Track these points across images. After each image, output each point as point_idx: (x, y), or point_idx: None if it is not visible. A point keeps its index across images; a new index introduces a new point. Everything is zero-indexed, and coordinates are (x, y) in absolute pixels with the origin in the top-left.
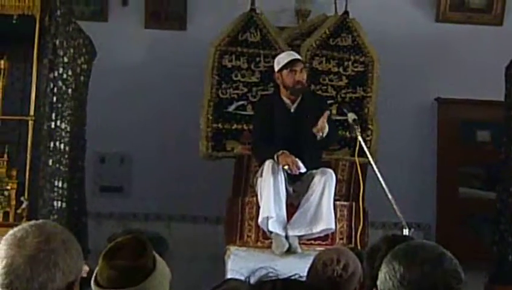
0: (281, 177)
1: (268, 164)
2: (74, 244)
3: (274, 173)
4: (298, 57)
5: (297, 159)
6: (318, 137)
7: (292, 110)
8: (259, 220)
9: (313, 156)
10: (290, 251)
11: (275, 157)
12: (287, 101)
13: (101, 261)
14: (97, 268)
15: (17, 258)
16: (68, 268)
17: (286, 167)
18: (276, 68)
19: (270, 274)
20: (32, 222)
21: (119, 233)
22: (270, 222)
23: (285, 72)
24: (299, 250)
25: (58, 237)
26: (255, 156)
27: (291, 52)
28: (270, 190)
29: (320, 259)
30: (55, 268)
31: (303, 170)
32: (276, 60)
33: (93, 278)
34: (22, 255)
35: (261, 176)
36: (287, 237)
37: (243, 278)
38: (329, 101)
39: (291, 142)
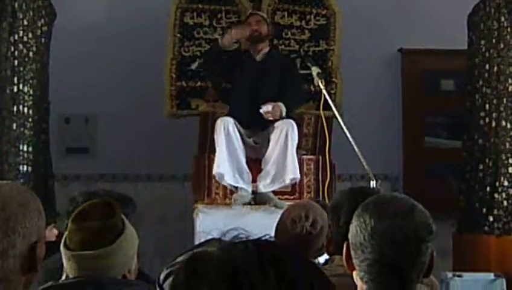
0: (234, 131)
1: (219, 122)
2: (33, 205)
3: (226, 130)
4: (256, 12)
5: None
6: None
7: (258, 59)
8: (213, 171)
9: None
10: (271, 206)
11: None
12: (252, 51)
13: (70, 225)
14: (66, 232)
15: None
16: (28, 231)
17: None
18: None
19: (241, 235)
20: None
21: (81, 193)
22: (226, 177)
23: (244, 26)
24: (280, 203)
25: (14, 201)
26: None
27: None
28: (222, 147)
29: (289, 216)
30: (14, 234)
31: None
32: None
33: (62, 242)
34: None
35: (216, 133)
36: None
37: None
38: (292, 55)
39: (254, 90)
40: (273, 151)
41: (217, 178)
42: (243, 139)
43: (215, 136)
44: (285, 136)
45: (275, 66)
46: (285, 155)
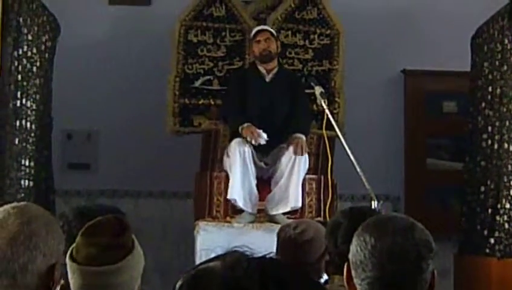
0: (249, 156)
1: (234, 145)
2: (56, 228)
3: (241, 153)
4: (264, 27)
5: (260, 131)
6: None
7: (267, 80)
8: (228, 197)
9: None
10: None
11: (240, 129)
12: (263, 70)
13: (79, 237)
14: (73, 245)
15: None
16: (49, 250)
17: (248, 139)
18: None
19: (245, 253)
20: (14, 204)
21: (71, 208)
22: (239, 201)
23: (252, 43)
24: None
25: (39, 219)
26: (229, 124)
27: (263, 25)
28: (237, 172)
29: (282, 229)
30: (36, 250)
31: (263, 141)
32: None
33: (68, 254)
34: (3, 237)
35: (228, 156)
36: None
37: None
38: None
39: (265, 111)
40: (280, 176)
41: (232, 202)
42: (254, 161)
43: (229, 159)
44: (292, 164)
45: (285, 86)
46: (289, 182)
